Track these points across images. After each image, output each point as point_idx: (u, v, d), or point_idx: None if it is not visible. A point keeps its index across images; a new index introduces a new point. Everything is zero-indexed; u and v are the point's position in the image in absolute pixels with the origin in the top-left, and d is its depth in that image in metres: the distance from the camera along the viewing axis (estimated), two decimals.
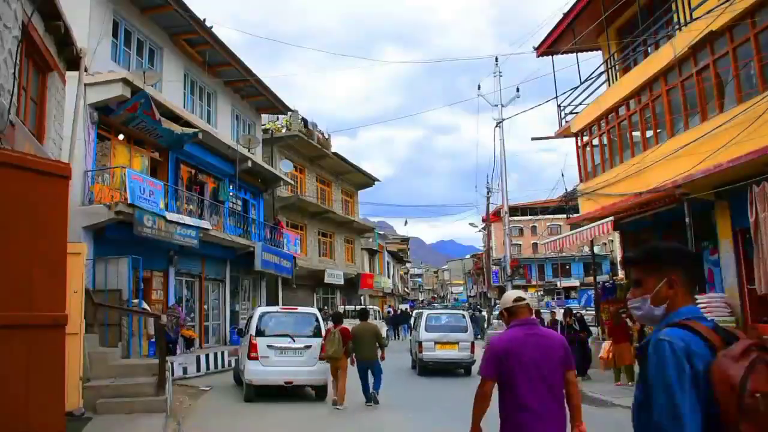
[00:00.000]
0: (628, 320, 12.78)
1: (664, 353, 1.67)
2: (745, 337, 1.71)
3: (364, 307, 19.40)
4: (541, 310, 20.93)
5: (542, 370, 3.23)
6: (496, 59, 20.96)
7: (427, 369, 14.94)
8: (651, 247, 1.97)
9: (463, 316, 16.65)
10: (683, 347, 1.67)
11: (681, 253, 1.93)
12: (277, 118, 26.87)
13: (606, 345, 12.72)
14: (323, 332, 11.02)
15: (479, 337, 32.71)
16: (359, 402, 10.39)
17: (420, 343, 14.96)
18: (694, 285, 1.91)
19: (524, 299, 3.49)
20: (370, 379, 10.48)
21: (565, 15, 16.35)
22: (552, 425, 3.18)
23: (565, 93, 17.36)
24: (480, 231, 51.53)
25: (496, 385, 3.33)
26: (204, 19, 16.86)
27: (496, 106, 20.24)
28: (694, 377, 1.63)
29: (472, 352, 14.92)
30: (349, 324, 11.58)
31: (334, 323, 10.94)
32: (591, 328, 15.06)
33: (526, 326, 3.37)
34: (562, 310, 25.47)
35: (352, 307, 25.96)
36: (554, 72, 17.58)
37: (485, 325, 33.01)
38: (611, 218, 14.32)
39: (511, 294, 3.58)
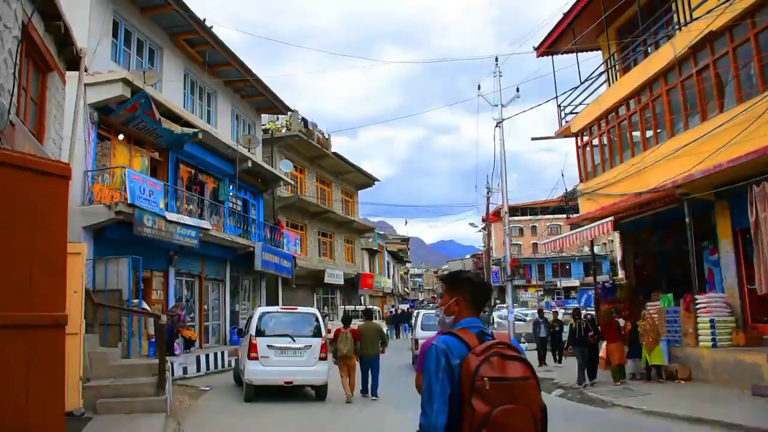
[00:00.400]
0: (620, 320, 12.93)
1: (431, 353, 2.29)
2: (506, 338, 2.39)
3: (369, 307, 19.93)
4: (544, 310, 21.13)
5: None
6: (496, 59, 20.84)
7: None
8: (451, 273, 2.65)
9: None
10: (443, 348, 2.27)
11: (469, 282, 2.57)
12: (277, 118, 26.86)
13: (605, 345, 12.75)
14: (323, 332, 11.10)
15: None
16: (358, 397, 10.45)
17: (416, 341, 15.91)
18: (476, 304, 2.56)
19: None
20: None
21: (565, 15, 16.35)
22: None
23: (565, 93, 17.38)
24: (480, 231, 51.56)
25: None
26: (204, 19, 16.86)
27: (496, 106, 20.15)
28: (449, 369, 2.22)
29: None
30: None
31: (344, 324, 11.32)
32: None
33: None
34: (563, 310, 25.29)
35: (352, 307, 26.03)
36: (554, 72, 17.59)
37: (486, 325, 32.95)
38: (611, 218, 14.32)
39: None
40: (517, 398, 2.15)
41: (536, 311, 21.24)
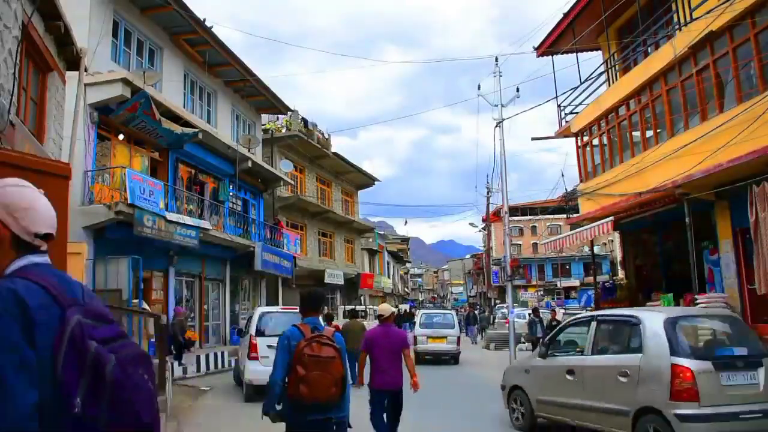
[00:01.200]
0: None
1: (281, 338, 3.94)
2: (330, 332, 3.90)
3: (353, 308, 21.42)
4: (540, 309, 21.46)
5: (389, 348, 6.39)
6: (496, 59, 20.79)
7: (422, 359, 17.06)
8: (301, 294, 4.25)
9: (452, 315, 19.75)
10: (288, 335, 3.91)
11: (301, 296, 4.18)
12: (277, 118, 26.85)
13: None
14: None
15: (480, 336, 32.64)
16: (356, 396, 10.48)
17: (415, 337, 17.76)
18: (310, 308, 4.10)
19: (383, 315, 6.62)
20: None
21: (565, 15, 16.34)
22: (394, 377, 6.38)
23: (565, 93, 17.35)
24: (480, 231, 51.55)
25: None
26: (204, 19, 16.86)
27: (496, 106, 20.16)
28: (289, 347, 3.79)
29: (458, 344, 17.86)
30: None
31: (328, 322, 11.89)
32: None
33: (384, 326, 6.55)
34: (562, 310, 25.27)
35: (352, 307, 26.15)
36: (554, 72, 17.57)
37: (486, 325, 32.95)
38: (611, 218, 14.31)
39: (380, 308, 6.83)
40: (324, 368, 3.66)
41: (531, 310, 21.27)
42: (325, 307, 29.88)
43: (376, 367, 6.48)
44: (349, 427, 4.14)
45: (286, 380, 3.76)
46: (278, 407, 3.87)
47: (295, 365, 3.65)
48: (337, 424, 3.92)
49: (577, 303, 38.21)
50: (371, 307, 28.72)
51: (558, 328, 8.53)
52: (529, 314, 21.03)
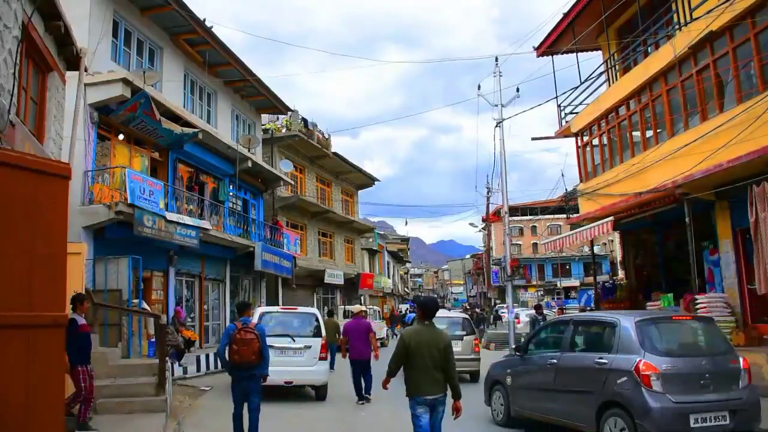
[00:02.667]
0: None
1: (227, 329, 7.21)
2: (253, 325, 7.18)
3: (330, 309, 21.91)
4: (544, 308, 21.38)
5: (359, 332, 10.78)
6: (496, 59, 20.84)
7: None
8: (240, 303, 7.71)
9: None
10: (230, 328, 7.04)
11: (237, 306, 7.66)
12: (277, 118, 26.84)
13: None
14: (323, 332, 11.15)
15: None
16: (354, 399, 10.46)
17: None
18: (240, 312, 7.25)
19: (353, 312, 12.29)
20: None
21: (565, 15, 16.34)
22: (363, 351, 10.60)
23: (565, 93, 17.34)
24: (480, 231, 51.53)
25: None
26: (204, 19, 16.85)
27: (496, 106, 20.18)
28: (229, 335, 6.88)
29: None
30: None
31: (328, 316, 14.48)
32: None
33: (356, 319, 11.27)
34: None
35: (351, 308, 26.19)
36: (554, 72, 17.57)
37: (486, 326, 32.95)
38: (611, 218, 14.31)
39: (353, 308, 14.57)
40: (247, 345, 6.74)
41: (533, 308, 20.67)
42: (331, 311, 30.02)
43: (351, 345, 10.61)
44: (267, 374, 7.13)
45: (227, 353, 6.80)
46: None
47: (232, 345, 6.74)
48: (260, 377, 6.94)
49: (577, 303, 38.20)
50: (371, 307, 28.76)
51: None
52: (530, 313, 20.88)
